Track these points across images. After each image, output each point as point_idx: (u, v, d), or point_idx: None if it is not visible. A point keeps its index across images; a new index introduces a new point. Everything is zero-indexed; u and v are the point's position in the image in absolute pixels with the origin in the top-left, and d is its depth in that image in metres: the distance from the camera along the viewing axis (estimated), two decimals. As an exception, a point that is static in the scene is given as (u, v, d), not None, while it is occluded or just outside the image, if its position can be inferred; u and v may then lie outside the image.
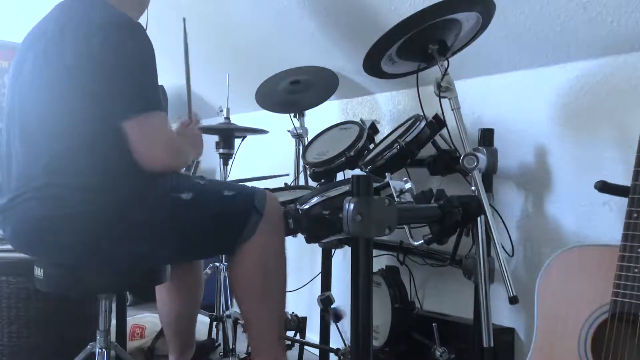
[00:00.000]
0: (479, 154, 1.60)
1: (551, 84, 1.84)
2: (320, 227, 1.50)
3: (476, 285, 1.69)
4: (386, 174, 1.58)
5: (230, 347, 2.31)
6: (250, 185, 1.67)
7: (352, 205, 1.19)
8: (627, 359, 1.23)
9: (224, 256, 2.44)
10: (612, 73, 1.69)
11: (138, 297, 3.14)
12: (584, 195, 1.75)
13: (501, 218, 1.91)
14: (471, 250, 1.71)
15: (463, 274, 1.78)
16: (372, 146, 2.09)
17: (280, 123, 2.58)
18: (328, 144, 2.16)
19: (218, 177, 2.51)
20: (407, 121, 1.96)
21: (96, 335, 1.66)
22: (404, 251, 2.10)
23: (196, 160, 2.97)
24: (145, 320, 2.53)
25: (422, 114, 1.81)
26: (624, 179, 1.35)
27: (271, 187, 2.11)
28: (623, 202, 1.28)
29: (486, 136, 1.84)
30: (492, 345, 1.62)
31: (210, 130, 2.54)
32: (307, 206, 1.56)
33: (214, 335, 2.54)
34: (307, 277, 2.51)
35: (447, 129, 1.80)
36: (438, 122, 1.82)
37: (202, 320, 2.40)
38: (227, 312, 2.43)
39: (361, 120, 2.13)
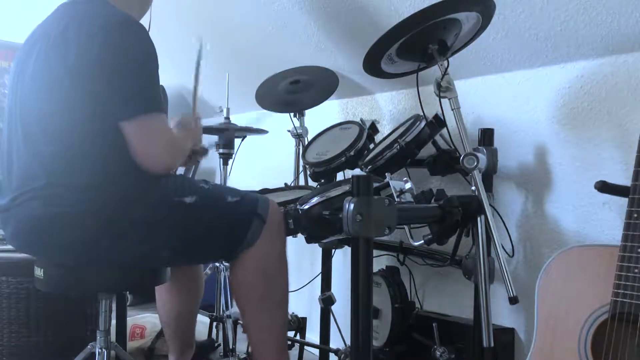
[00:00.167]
0: (479, 154, 1.60)
1: (551, 83, 1.84)
2: (320, 227, 1.50)
3: (476, 285, 1.69)
4: (386, 174, 1.58)
5: (230, 347, 2.31)
6: (254, 193, 1.68)
7: (352, 205, 1.19)
8: (627, 359, 1.23)
9: (224, 258, 2.44)
10: (612, 73, 1.69)
11: (138, 297, 3.14)
12: (584, 195, 1.75)
13: (501, 218, 1.91)
14: (471, 250, 1.71)
15: (463, 274, 1.78)
16: (372, 146, 2.09)
17: (280, 123, 2.58)
18: (328, 144, 2.16)
19: (218, 177, 2.51)
20: (407, 121, 1.96)
21: (96, 335, 1.66)
22: (404, 251, 2.10)
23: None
24: (145, 320, 2.53)
25: (422, 114, 1.81)
26: (624, 179, 1.35)
27: (271, 186, 2.12)
28: (623, 202, 1.28)
29: (486, 136, 1.84)
30: (492, 345, 1.62)
31: (210, 130, 2.54)
32: (307, 206, 1.56)
33: (214, 335, 2.54)
34: (307, 277, 2.51)
35: (447, 129, 1.80)
36: (438, 122, 1.82)
37: (202, 320, 2.40)
38: (227, 312, 2.43)
39: (361, 120, 2.13)
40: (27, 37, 1.58)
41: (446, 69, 1.65)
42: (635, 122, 1.63)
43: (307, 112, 2.50)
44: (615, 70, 1.68)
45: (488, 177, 1.83)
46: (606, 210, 1.69)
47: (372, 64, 1.77)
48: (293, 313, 2.22)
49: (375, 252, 1.49)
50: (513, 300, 1.53)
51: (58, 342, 2.07)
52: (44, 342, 2.07)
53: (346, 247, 2.13)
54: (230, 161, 2.55)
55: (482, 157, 1.64)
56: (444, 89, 1.64)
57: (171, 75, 2.34)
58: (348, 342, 2.00)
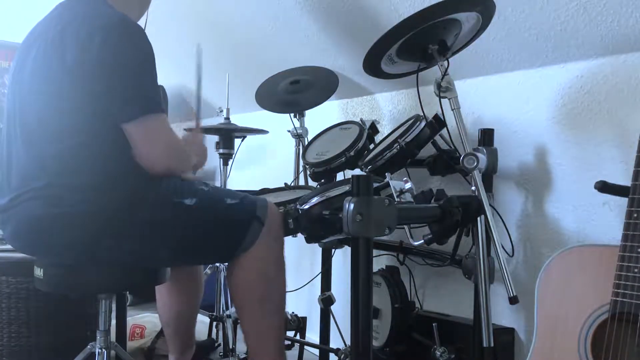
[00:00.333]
0: (479, 154, 1.60)
1: (551, 83, 1.84)
2: (320, 227, 1.50)
3: (476, 285, 1.69)
4: (386, 174, 1.58)
5: (230, 347, 2.31)
6: (253, 195, 1.68)
7: (352, 205, 1.19)
8: (627, 359, 1.23)
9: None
10: (612, 73, 1.69)
11: (138, 297, 3.14)
12: (584, 195, 1.75)
13: (501, 218, 1.91)
14: (471, 250, 1.71)
15: (463, 274, 1.78)
16: (372, 146, 2.09)
17: (280, 123, 2.58)
18: (328, 144, 2.16)
19: (218, 177, 2.51)
20: (407, 121, 1.96)
21: (96, 335, 1.66)
22: (404, 251, 2.10)
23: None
24: (145, 320, 2.53)
25: (422, 114, 1.81)
26: (624, 179, 1.35)
27: (271, 186, 2.12)
28: (623, 202, 1.28)
29: (486, 136, 1.84)
30: (492, 345, 1.62)
31: (210, 130, 2.54)
32: (307, 206, 1.56)
33: (214, 335, 2.54)
34: (307, 277, 2.51)
35: (447, 129, 1.80)
36: (438, 122, 1.82)
37: (202, 320, 2.40)
38: (227, 312, 2.43)
39: (361, 120, 2.13)
40: (26, 36, 1.58)
41: (446, 69, 1.65)
42: (635, 122, 1.63)
43: (307, 112, 2.50)
44: (615, 70, 1.68)
45: (488, 177, 1.83)
46: (606, 210, 1.69)
47: (372, 64, 1.77)
48: (293, 313, 2.23)
49: (375, 252, 1.49)
50: (513, 300, 1.53)
51: (58, 342, 2.07)
52: (44, 342, 2.07)
53: (346, 247, 2.13)
54: (230, 161, 2.55)
55: (482, 157, 1.64)
56: (444, 89, 1.64)
57: (171, 75, 2.34)
58: (348, 342, 2.00)
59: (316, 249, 2.43)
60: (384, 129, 2.38)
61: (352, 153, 1.99)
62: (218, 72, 2.84)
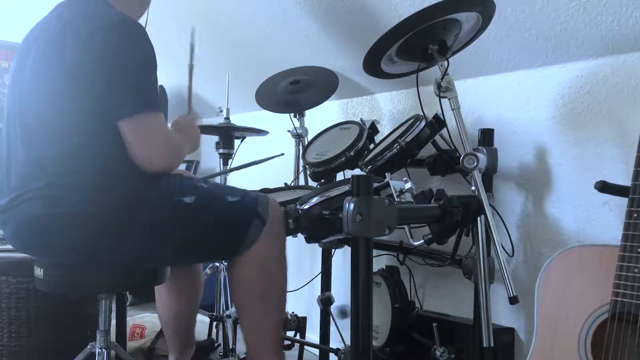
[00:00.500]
0: (479, 154, 1.60)
1: (551, 83, 1.84)
2: (320, 227, 1.50)
3: (476, 285, 1.69)
4: (386, 174, 1.58)
5: (230, 347, 2.31)
6: (254, 192, 1.67)
7: (352, 205, 1.19)
8: (627, 359, 1.23)
9: (223, 257, 2.44)
10: (612, 73, 1.69)
11: (138, 297, 3.14)
12: (584, 195, 1.75)
13: (501, 218, 1.91)
14: (471, 250, 1.71)
15: (463, 274, 1.78)
16: (372, 146, 2.09)
17: (280, 123, 2.58)
18: (328, 144, 2.16)
19: (218, 177, 2.51)
20: (407, 121, 1.96)
21: (96, 335, 1.66)
22: (404, 251, 2.10)
23: (196, 161, 2.98)
24: (145, 320, 2.53)
25: (422, 114, 1.81)
26: (624, 179, 1.35)
27: (271, 186, 2.12)
28: (623, 202, 1.28)
29: (486, 136, 1.84)
30: (492, 345, 1.62)
31: (210, 130, 2.54)
32: (307, 206, 1.56)
33: (213, 335, 2.54)
34: (307, 277, 2.51)
35: (447, 129, 1.80)
36: (438, 122, 1.82)
37: (202, 320, 2.40)
38: (227, 312, 2.43)
39: (361, 120, 2.13)
40: (25, 36, 1.58)
41: (446, 69, 1.65)
42: (635, 122, 1.63)
43: (307, 112, 2.50)
44: (615, 70, 1.68)
45: (488, 177, 1.83)
46: (606, 210, 1.69)
47: (372, 64, 1.77)
48: (293, 313, 2.22)
49: (375, 252, 1.49)
50: (513, 300, 1.53)
51: (58, 342, 2.07)
52: (44, 342, 2.07)
53: (346, 247, 2.13)
54: (230, 161, 2.55)
55: (482, 157, 1.64)
56: (444, 89, 1.64)
57: (171, 75, 2.34)
58: (348, 342, 2.00)
59: (316, 249, 2.43)
60: (384, 129, 2.38)
61: (352, 153, 1.99)
62: (218, 72, 2.84)
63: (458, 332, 1.88)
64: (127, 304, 2.44)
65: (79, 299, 2.10)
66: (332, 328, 2.21)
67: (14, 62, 1.59)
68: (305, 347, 2.27)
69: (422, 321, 1.99)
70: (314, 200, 1.55)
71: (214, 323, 2.52)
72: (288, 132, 2.50)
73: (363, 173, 1.90)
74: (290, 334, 2.22)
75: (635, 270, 1.21)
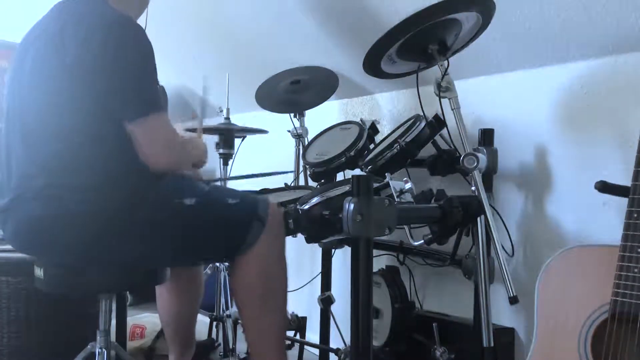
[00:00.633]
0: (479, 154, 1.60)
1: (551, 83, 1.84)
2: (320, 227, 1.50)
3: (476, 285, 1.69)
4: (386, 174, 1.58)
5: (230, 347, 2.31)
6: (253, 193, 1.68)
7: (352, 205, 1.19)
8: (627, 359, 1.23)
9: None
10: (612, 73, 1.69)
11: (138, 297, 3.14)
12: (584, 195, 1.75)
13: (501, 218, 1.91)
14: (471, 250, 1.71)
15: (463, 274, 1.78)
16: (372, 146, 2.09)
17: (280, 123, 2.58)
18: (328, 144, 2.16)
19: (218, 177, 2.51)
20: (407, 121, 1.96)
21: (96, 335, 1.66)
22: (404, 251, 2.10)
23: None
24: (145, 320, 2.53)
25: (422, 114, 1.81)
26: (624, 179, 1.34)
27: (271, 186, 2.12)
28: (623, 202, 1.28)
29: (486, 136, 1.84)
30: (492, 345, 1.62)
31: (210, 130, 2.54)
32: (307, 206, 1.56)
33: (214, 335, 2.54)
34: (307, 277, 2.51)
35: (447, 129, 1.80)
36: (438, 122, 1.82)
37: (202, 320, 2.40)
38: (227, 312, 2.43)
39: (361, 120, 2.13)
40: (24, 36, 1.58)
41: (446, 69, 1.65)
42: (635, 122, 1.63)
43: (307, 112, 2.50)
44: (615, 70, 1.68)
45: (488, 177, 1.83)
46: (606, 210, 1.69)
47: (372, 64, 1.78)
48: (293, 313, 2.23)
49: (375, 252, 1.49)
50: (513, 300, 1.53)
51: (58, 342, 2.07)
52: (44, 342, 2.07)
53: (346, 247, 2.13)
54: (230, 161, 2.55)
55: (482, 157, 1.64)
56: (444, 89, 1.64)
57: (171, 75, 2.34)
58: (348, 342, 2.00)
59: (316, 249, 2.43)
60: (384, 129, 2.38)
61: (352, 153, 1.99)
62: (218, 72, 2.84)
63: (458, 332, 1.88)
64: (127, 304, 2.44)
65: (79, 299, 2.10)
66: (332, 328, 2.21)
67: (13, 62, 1.58)
68: (305, 347, 2.27)
69: (422, 321, 1.99)
70: (314, 200, 1.55)
71: (214, 323, 2.52)
72: (288, 132, 2.50)
73: (363, 173, 1.90)
74: (290, 334, 2.22)
75: (635, 270, 1.21)
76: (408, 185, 1.52)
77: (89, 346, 1.67)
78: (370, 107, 2.56)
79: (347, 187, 1.53)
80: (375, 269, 1.98)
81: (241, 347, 2.32)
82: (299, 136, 2.46)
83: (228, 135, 2.52)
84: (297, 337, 2.24)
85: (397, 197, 1.51)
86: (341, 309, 2.13)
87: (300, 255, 2.77)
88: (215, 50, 3.03)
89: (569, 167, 1.80)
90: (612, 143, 1.69)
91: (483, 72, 2.04)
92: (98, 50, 1.41)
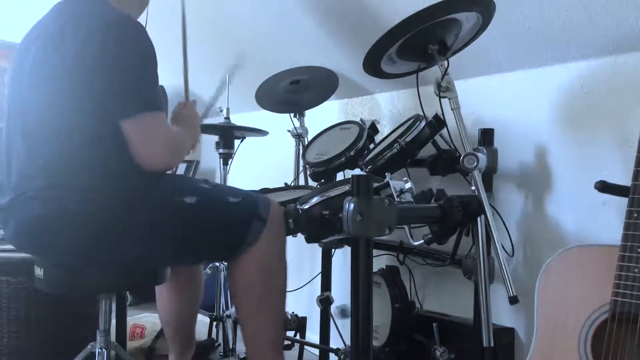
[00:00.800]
0: (479, 154, 1.60)
1: (551, 83, 1.84)
2: (320, 227, 1.50)
3: (476, 285, 1.69)
4: (386, 174, 1.58)
5: (230, 347, 2.32)
6: (254, 192, 1.67)
7: (352, 205, 1.19)
8: (627, 359, 1.23)
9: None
10: (612, 73, 1.69)
11: (138, 297, 3.14)
12: (584, 195, 1.75)
13: (501, 218, 1.91)
14: (471, 250, 1.71)
15: (463, 274, 1.78)
16: (372, 146, 2.09)
17: (280, 123, 2.58)
18: (328, 144, 2.16)
19: (218, 177, 2.51)
20: (407, 121, 1.96)
21: (96, 335, 1.66)
22: (404, 251, 2.10)
23: (196, 161, 2.97)
24: (145, 320, 2.53)
25: (422, 114, 1.81)
26: (624, 179, 1.34)
27: (271, 186, 2.12)
28: (623, 202, 1.28)
29: (486, 136, 1.84)
30: (492, 345, 1.62)
31: (210, 130, 2.54)
32: (307, 206, 1.56)
33: (214, 335, 2.54)
34: (307, 277, 2.51)
35: (447, 129, 1.80)
36: (438, 122, 1.82)
37: (202, 320, 2.40)
38: (227, 312, 2.43)
39: (361, 120, 2.13)
40: (24, 35, 1.58)
41: (446, 69, 1.65)
42: (635, 122, 1.63)
43: (307, 112, 2.50)
44: (615, 70, 1.68)
45: (488, 177, 1.83)
46: (606, 210, 1.69)
47: (372, 64, 1.78)
48: (293, 313, 2.22)
49: (375, 252, 1.49)
50: (513, 300, 1.53)
51: (58, 342, 2.07)
52: (44, 342, 2.07)
53: (346, 246, 2.13)
54: (230, 161, 2.55)
55: (482, 157, 1.64)
56: (444, 89, 1.64)
57: (171, 76, 2.33)
58: (348, 342, 2.00)
59: (316, 249, 2.43)
60: (384, 129, 2.38)
61: (352, 153, 1.99)
62: (218, 72, 2.85)
63: (458, 332, 1.88)
64: (127, 304, 2.44)
65: (79, 299, 2.10)
66: (332, 328, 2.21)
67: (13, 62, 1.58)
68: (305, 347, 2.27)
69: (422, 321, 1.99)
70: (314, 200, 1.55)
71: (214, 323, 2.52)
72: (288, 132, 2.50)
73: (363, 173, 1.90)
74: (290, 334, 2.22)
75: (635, 270, 1.21)
76: (408, 185, 1.52)
77: (89, 346, 1.67)
78: (370, 107, 2.56)
79: (347, 187, 1.53)
80: (375, 269, 1.98)
81: (241, 347, 2.31)
82: (299, 136, 2.46)
83: (228, 135, 2.52)
84: (297, 337, 2.24)
85: (397, 197, 1.51)
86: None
87: (300, 255, 2.77)
88: (215, 50, 3.02)
89: (569, 167, 1.80)
90: (612, 143, 1.69)
91: (483, 72, 2.04)
92: (97, 50, 1.41)
